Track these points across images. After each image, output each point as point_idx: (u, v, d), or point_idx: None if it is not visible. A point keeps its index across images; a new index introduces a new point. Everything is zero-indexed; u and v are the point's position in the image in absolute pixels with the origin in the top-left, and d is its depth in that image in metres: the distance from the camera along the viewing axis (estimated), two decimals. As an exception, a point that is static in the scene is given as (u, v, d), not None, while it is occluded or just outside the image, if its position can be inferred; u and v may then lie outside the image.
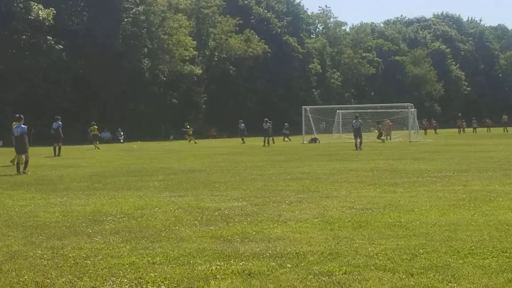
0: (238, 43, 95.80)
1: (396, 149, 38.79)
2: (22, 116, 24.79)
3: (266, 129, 50.67)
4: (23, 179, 20.62)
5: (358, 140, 39.55)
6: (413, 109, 60.09)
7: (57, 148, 36.68)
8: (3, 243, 9.32)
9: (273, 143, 49.58)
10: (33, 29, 66.02)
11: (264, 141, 49.26)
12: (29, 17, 65.08)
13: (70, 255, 8.35)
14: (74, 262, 7.94)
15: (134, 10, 76.66)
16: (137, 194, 15.32)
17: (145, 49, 78.59)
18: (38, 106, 63.97)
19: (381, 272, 7.21)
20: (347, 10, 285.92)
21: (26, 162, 23.64)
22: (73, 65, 68.97)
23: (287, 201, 13.47)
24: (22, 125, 24.35)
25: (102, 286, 6.87)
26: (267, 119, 51.98)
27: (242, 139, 56.47)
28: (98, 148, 47.56)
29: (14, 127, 24.39)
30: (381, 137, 54.43)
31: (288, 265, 7.63)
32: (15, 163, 24.62)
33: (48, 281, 7.06)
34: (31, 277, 7.20)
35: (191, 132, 61.50)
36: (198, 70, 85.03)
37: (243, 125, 58.15)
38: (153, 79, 78.95)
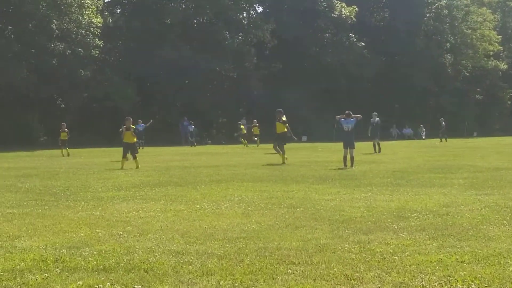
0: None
1: None
2: (351, 112, 25.27)
3: None
4: (327, 174, 21.21)
5: None
6: None
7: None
8: (312, 235, 9.62)
9: None
10: (336, 26, 68.16)
11: None
12: (332, 15, 67.35)
13: (377, 250, 8.42)
14: (381, 257, 7.99)
15: (436, 4, 76.38)
16: (441, 191, 15.04)
17: (447, 44, 77.74)
18: (339, 102, 65.60)
19: None
20: None
21: (352, 158, 24.18)
22: (374, 62, 69.80)
23: None
24: (351, 120, 24.95)
25: (411, 282, 6.84)
26: None
27: None
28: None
29: (344, 122, 24.99)
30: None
31: None
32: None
33: (357, 274, 7.17)
34: (340, 270, 7.35)
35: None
36: (503, 65, 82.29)
37: None
38: (456, 75, 77.75)
